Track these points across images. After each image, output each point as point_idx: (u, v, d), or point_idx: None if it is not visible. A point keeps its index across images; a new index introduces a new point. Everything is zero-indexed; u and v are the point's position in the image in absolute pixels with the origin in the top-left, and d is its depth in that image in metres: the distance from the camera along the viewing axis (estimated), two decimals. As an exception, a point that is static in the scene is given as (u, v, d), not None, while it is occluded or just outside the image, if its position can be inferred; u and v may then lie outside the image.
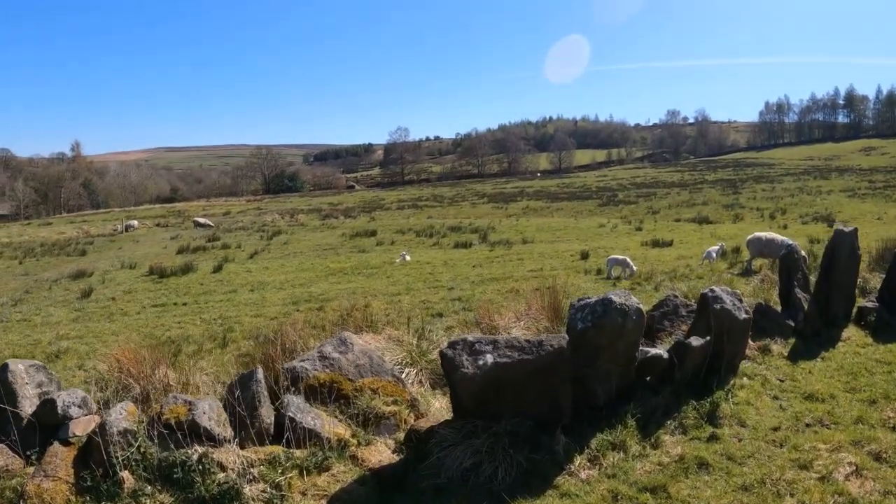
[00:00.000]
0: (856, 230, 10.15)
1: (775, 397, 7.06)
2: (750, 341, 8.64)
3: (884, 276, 10.75)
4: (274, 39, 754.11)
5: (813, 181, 73.17)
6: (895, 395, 6.98)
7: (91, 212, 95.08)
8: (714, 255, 19.69)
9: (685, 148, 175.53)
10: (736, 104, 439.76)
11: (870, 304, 9.92)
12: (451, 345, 5.87)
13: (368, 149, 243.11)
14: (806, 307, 9.32)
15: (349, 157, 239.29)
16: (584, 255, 23.20)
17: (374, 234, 38.58)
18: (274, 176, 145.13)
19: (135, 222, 60.11)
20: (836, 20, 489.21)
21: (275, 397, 6.14)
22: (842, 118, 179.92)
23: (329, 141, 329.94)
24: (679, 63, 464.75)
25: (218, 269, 26.08)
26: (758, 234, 18.57)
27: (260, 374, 5.94)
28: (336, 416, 6.20)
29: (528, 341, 5.78)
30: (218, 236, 43.23)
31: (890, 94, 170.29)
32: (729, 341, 7.08)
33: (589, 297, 6.43)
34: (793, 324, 9.13)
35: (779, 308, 9.73)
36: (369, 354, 7.16)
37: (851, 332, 9.35)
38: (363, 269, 23.49)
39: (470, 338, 5.89)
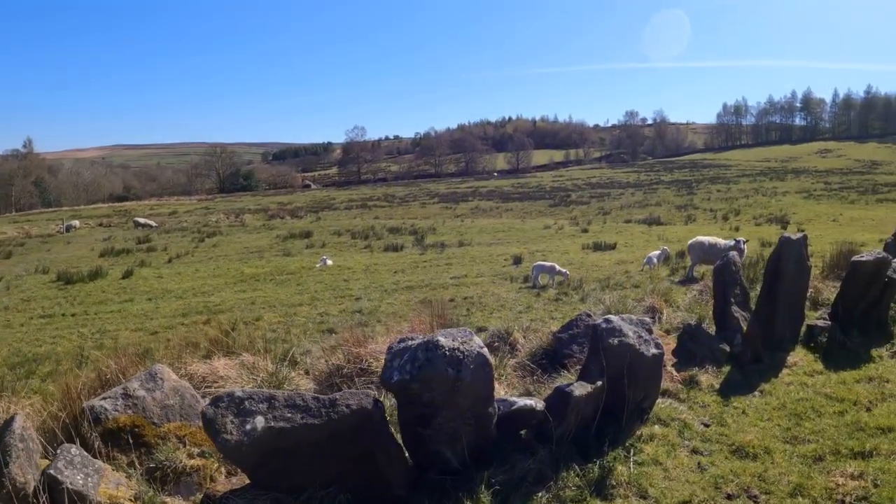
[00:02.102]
0: (804, 237, 8.57)
1: (694, 451, 5.53)
2: (674, 371, 7.19)
3: (838, 285, 9.47)
4: (241, 38, 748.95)
5: (769, 182, 73.78)
6: (847, 448, 5.46)
7: (37, 211, 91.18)
8: (655, 260, 18.25)
9: (643, 149, 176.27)
10: (694, 106, 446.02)
11: (821, 323, 8.55)
12: (215, 401, 4.17)
13: (328, 148, 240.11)
14: (745, 327, 7.81)
15: (308, 156, 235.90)
16: (518, 260, 21.65)
17: (309, 235, 36.74)
18: (228, 174, 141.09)
19: (76, 222, 56.98)
20: (794, 25, 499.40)
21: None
22: (799, 121, 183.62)
23: (292, 140, 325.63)
24: (638, 65, 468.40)
25: (128, 274, 23.97)
26: (700, 238, 17.09)
27: (18, 422, 4.50)
28: (128, 471, 4.90)
29: (316, 399, 4.07)
30: (150, 238, 41.03)
31: (846, 98, 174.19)
32: (632, 384, 5.28)
33: (412, 339, 4.53)
34: (728, 348, 7.74)
35: (713, 328, 8.21)
36: (181, 393, 5.88)
37: (799, 357, 7.95)
38: (277, 276, 21.67)
39: (239, 392, 4.16)
